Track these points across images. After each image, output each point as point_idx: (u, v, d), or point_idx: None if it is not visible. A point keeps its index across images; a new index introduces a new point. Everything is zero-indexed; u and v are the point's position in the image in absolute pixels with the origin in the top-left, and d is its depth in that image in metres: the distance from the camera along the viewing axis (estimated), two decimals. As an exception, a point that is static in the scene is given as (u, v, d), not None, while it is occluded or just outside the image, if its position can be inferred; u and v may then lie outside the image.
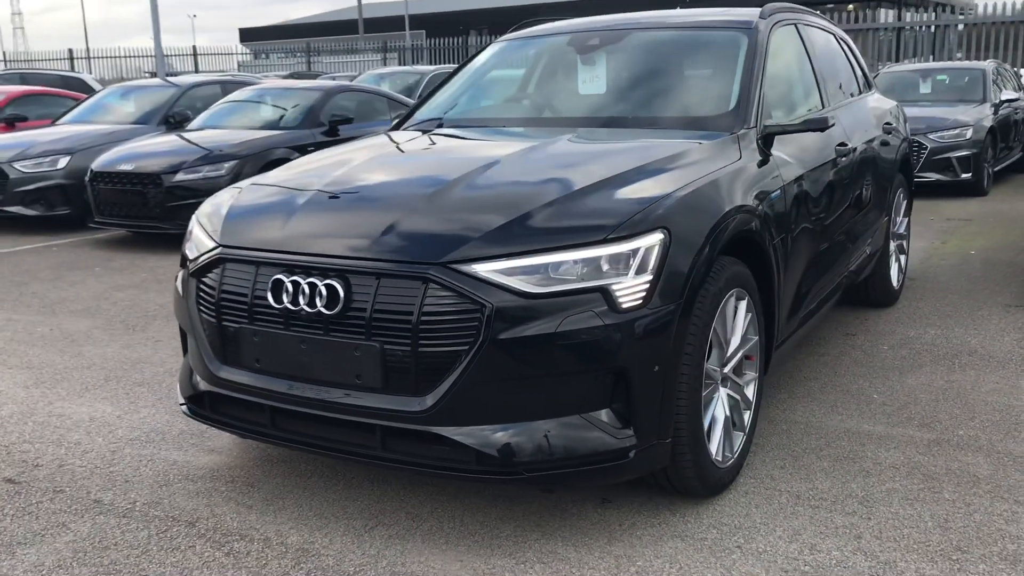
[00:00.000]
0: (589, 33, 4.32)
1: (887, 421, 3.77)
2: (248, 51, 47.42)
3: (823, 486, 3.20)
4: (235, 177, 7.60)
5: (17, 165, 8.86)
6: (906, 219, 5.80)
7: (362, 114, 9.40)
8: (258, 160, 8.03)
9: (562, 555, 2.78)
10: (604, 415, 2.67)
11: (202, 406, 3.13)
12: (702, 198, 2.95)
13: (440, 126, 4.10)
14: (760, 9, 4.14)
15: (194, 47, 32.85)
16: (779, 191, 3.46)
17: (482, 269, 2.60)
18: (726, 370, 3.15)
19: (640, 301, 2.64)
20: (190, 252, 3.18)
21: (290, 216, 2.97)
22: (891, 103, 5.70)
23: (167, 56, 38.41)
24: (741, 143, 3.44)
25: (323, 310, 2.71)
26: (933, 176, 10.15)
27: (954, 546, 2.79)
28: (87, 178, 8.25)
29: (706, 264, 2.84)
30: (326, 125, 8.83)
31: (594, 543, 2.85)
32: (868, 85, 5.58)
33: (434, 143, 3.81)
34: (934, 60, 20.75)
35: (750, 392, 3.33)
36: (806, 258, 3.80)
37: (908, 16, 26.65)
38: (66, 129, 9.82)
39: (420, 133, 3.99)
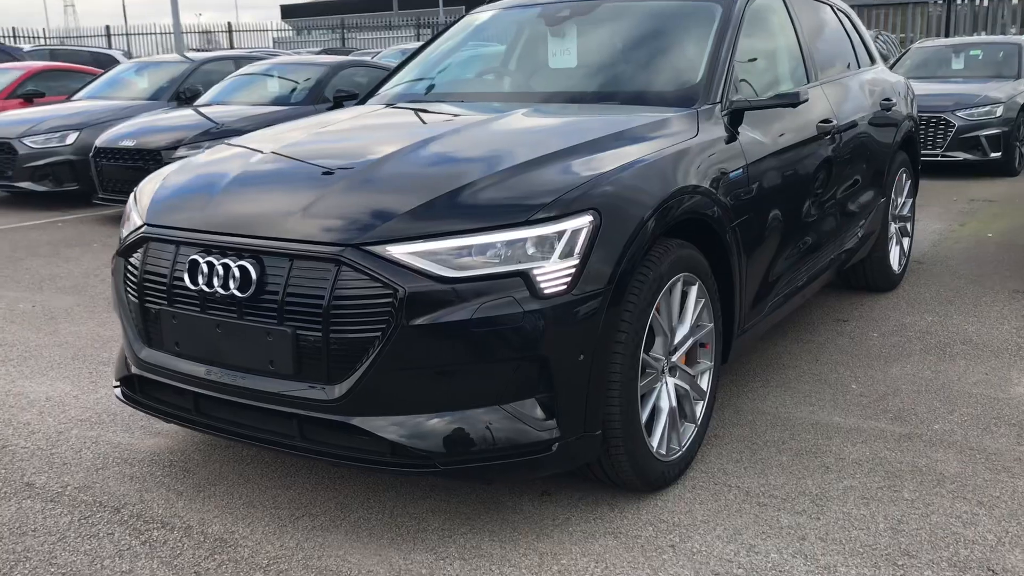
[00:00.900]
0: (560, 5, 4.14)
1: (861, 413, 3.59)
2: (290, 28, 47.50)
3: (777, 482, 3.03)
4: (233, 153, 7.52)
5: (26, 141, 8.88)
6: (910, 200, 5.55)
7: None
8: (259, 136, 7.94)
9: (485, 551, 2.66)
10: (525, 406, 2.53)
11: (133, 389, 3.04)
12: (642, 178, 2.79)
13: (402, 101, 3.96)
14: (739, -21, 3.93)
15: (229, 24, 32.96)
16: (741, 171, 3.27)
17: (397, 251, 2.46)
18: (674, 359, 2.99)
19: (564, 287, 2.49)
20: (123, 230, 3.09)
21: (212, 195, 2.86)
22: (895, 78, 5.45)
23: (207, 32, 38.60)
24: (701, 119, 3.26)
25: (236, 293, 2.60)
26: (960, 155, 9.79)
27: (902, 550, 2.62)
28: (91, 154, 8.23)
29: (644, 248, 2.68)
30: (331, 100, 8.70)
31: (522, 539, 2.72)
32: (871, 59, 5.33)
33: (380, 119, 3.68)
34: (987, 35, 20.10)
35: (704, 382, 3.17)
36: (776, 241, 3.61)
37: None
38: (78, 105, 9.84)
39: (376, 108, 3.86)
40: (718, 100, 3.39)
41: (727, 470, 3.12)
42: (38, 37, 31.31)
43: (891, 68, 11.64)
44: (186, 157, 7.59)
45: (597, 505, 2.90)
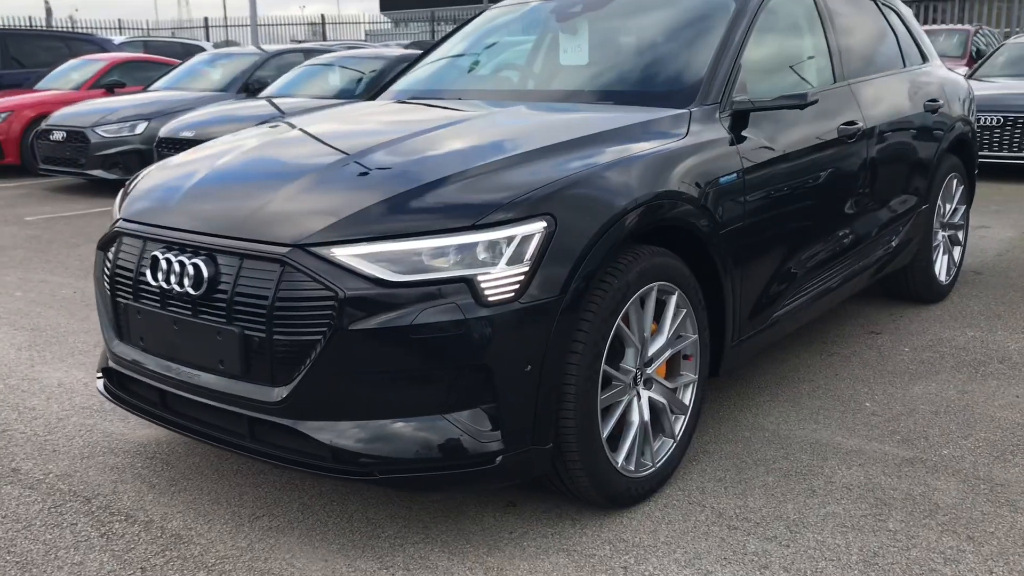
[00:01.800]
0: (573, 0, 4.03)
1: (867, 434, 3.39)
2: (388, 20, 48.05)
3: (755, 504, 2.88)
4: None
5: (98, 130, 9.18)
6: (962, 207, 5.24)
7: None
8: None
9: (432, 562, 2.59)
10: (469, 416, 2.45)
11: (113, 383, 3.07)
12: (608, 183, 2.67)
13: (403, 97, 3.92)
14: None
15: (322, 16, 33.52)
16: (736, 175, 3.12)
17: (340, 253, 2.41)
18: (649, 371, 2.87)
19: (511, 294, 2.41)
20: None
21: (179, 192, 2.86)
22: (949, 78, 5.14)
23: (312, 24, 39.28)
24: (693, 121, 3.12)
25: (190, 290, 2.59)
26: (1047, 159, 9.25)
27: (869, 586, 2.46)
28: (154, 144, 8.45)
29: (606, 255, 2.57)
30: (388, 94, 8.74)
31: (473, 551, 2.64)
32: (923, 57, 5.05)
33: (366, 117, 3.63)
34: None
35: (686, 396, 3.04)
36: (782, 250, 3.44)
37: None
38: (150, 95, 10.12)
39: (371, 105, 3.82)
40: (716, 101, 3.24)
41: (706, 489, 2.99)
42: (139, 29, 32.41)
43: (980, 65, 11.12)
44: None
45: (560, 519, 2.81)
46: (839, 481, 3.03)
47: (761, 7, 3.62)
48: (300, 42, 26.05)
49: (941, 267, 5.05)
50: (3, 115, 10.72)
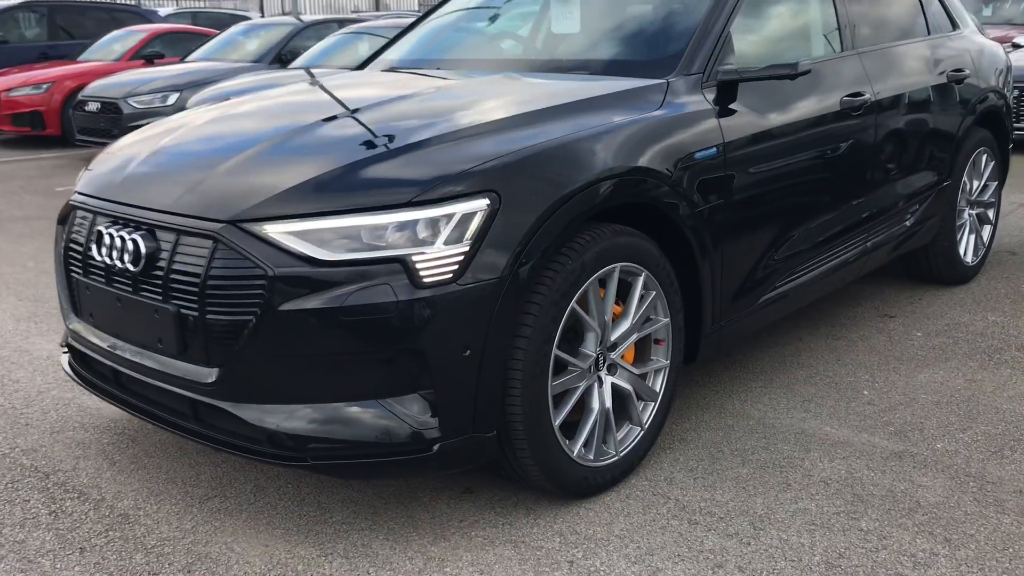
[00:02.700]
0: (564, -35, 3.86)
1: (859, 424, 3.21)
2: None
3: (723, 498, 2.74)
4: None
5: (131, 100, 9.23)
6: (993, 184, 4.96)
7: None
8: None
9: (374, 550, 2.51)
10: (406, 402, 2.35)
11: (75, 359, 3.03)
12: (561, 157, 2.53)
13: (391, 67, 3.80)
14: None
15: (376, -15, 33.40)
16: (715, 150, 2.94)
17: (273, 230, 2.32)
18: (614, 356, 2.73)
19: (449, 275, 2.29)
20: (73, 198, 3.07)
21: (130, 166, 2.79)
22: (983, 47, 4.84)
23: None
24: (670, 92, 2.95)
25: (130, 266, 2.52)
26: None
27: (826, 590, 2.31)
28: (182, 115, 8.45)
29: (557, 236, 2.44)
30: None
31: (417, 540, 2.55)
32: (953, 24, 4.76)
33: (333, 88, 3.50)
34: None
35: (657, 382, 2.89)
36: (772, 228, 3.26)
37: None
38: (184, 66, 10.14)
39: (351, 75, 3.71)
40: (698, 71, 3.06)
41: (674, 479, 2.85)
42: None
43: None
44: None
45: (515, 508, 2.70)
46: (818, 475, 2.87)
47: (759, -28, 3.42)
48: (358, 12, 25.96)
49: (967, 247, 4.79)
50: (44, 86, 10.85)
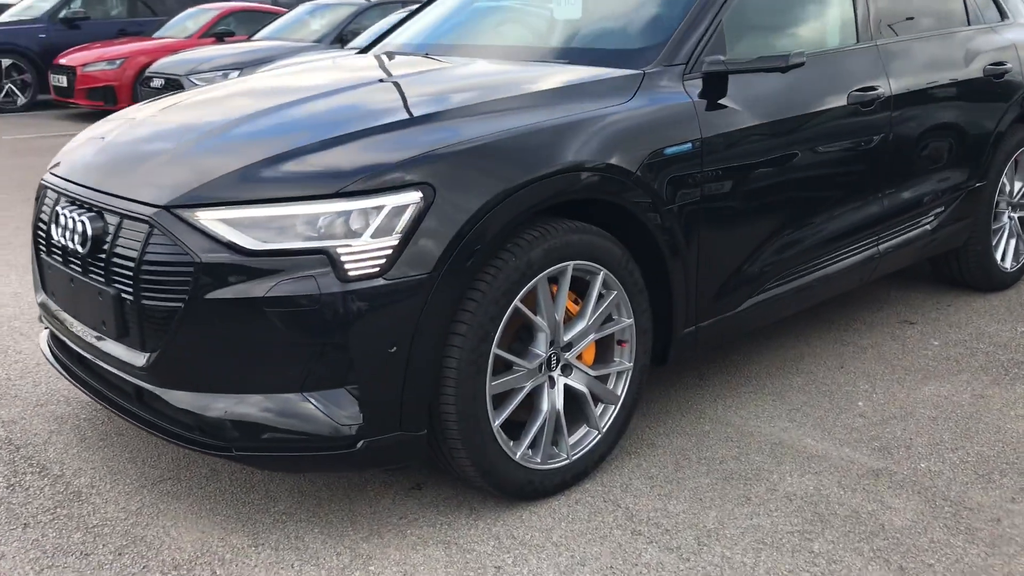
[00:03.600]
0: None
1: (843, 438, 3.05)
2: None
3: (676, 509, 2.63)
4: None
5: (192, 78, 9.40)
6: (1040, 185, 4.66)
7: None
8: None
9: (305, 544, 2.48)
10: (331, 396, 2.31)
11: (53, 337, 3.07)
12: (506, 150, 2.44)
13: (387, 51, 3.75)
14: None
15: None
16: (691, 145, 2.81)
17: (204, 217, 2.30)
18: (569, 356, 2.65)
19: (375, 270, 2.23)
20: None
21: (94, 148, 2.81)
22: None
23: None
24: (645, 83, 2.83)
25: (79, 247, 2.54)
26: None
27: (755, 615, 2.19)
28: (237, 93, 8.57)
29: (498, 231, 2.36)
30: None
31: (350, 535, 2.52)
32: (1001, 13, 4.48)
33: (310, 72, 3.46)
34: None
35: (618, 385, 2.79)
36: (757, 229, 3.11)
37: None
38: (247, 45, 10.30)
39: (341, 59, 3.67)
40: (684, 62, 2.93)
41: (630, 487, 2.75)
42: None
43: None
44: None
45: (458, 508, 2.64)
46: (783, 489, 2.73)
47: (763, -43, 3.25)
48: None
49: (1005, 252, 4.52)
50: (118, 62, 11.15)
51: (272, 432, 2.31)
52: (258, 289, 2.23)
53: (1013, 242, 4.57)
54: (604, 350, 2.80)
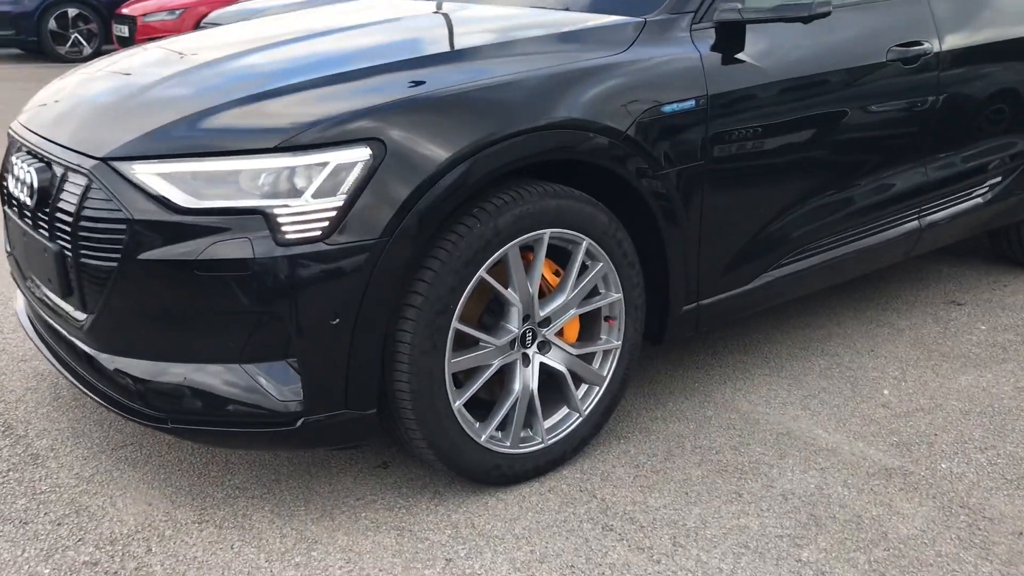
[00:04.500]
0: None
1: (858, 430, 2.78)
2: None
3: (657, 503, 2.41)
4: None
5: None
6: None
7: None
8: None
9: (251, 523, 2.33)
10: (270, 369, 2.13)
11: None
12: (472, 104, 2.20)
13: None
14: None
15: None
16: (694, 102, 2.54)
17: (140, 170, 2.12)
18: (547, 332, 2.43)
19: (317, 233, 2.04)
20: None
21: (55, 98, 2.67)
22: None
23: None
24: (644, 32, 2.55)
25: (27, 200, 2.40)
26: None
27: (721, 631, 1.96)
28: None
29: (457, 194, 2.14)
30: None
31: (301, 515, 2.36)
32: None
33: (301, 18, 3.25)
34: None
35: (604, 365, 2.57)
36: (774, 196, 2.83)
37: None
38: (302, -5, 10.13)
39: (335, 5, 3.45)
40: (693, 9, 2.64)
41: (612, 475, 2.53)
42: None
43: None
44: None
45: (421, 491, 2.46)
46: (780, 487, 2.48)
47: None
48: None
49: (1072, 229, 4.11)
50: (178, 12, 11.11)
51: (209, 405, 2.15)
52: (191, 251, 2.05)
53: (1083, 218, 4.15)
54: (589, 327, 2.57)
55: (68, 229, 2.22)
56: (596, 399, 2.56)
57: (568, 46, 2.46)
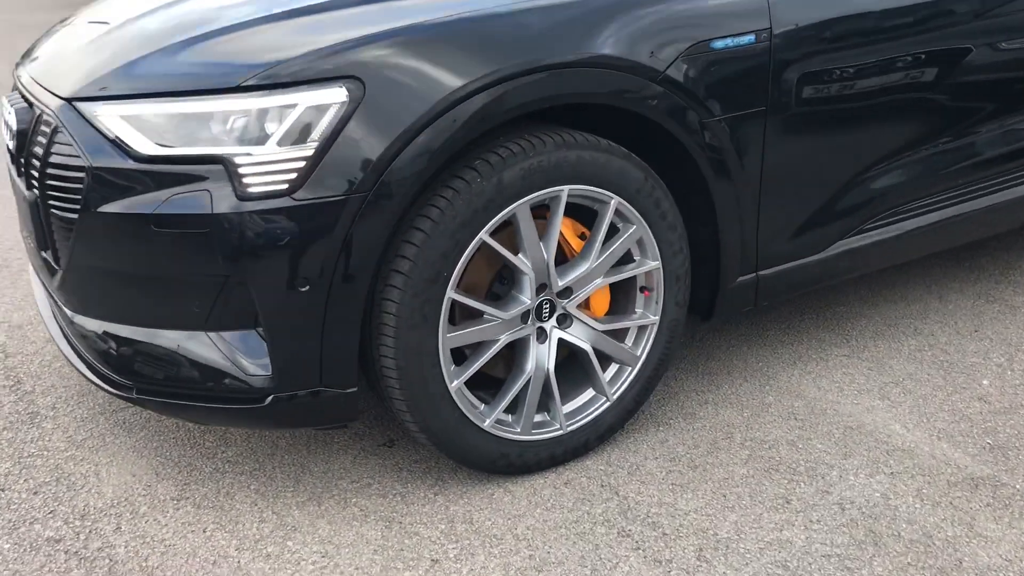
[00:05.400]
0: None
1: (944, 428, 2.37)
2: None
3: (687, 506, 2.08)
4: None
5: None
6: None
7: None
8: None
9: (231, 503, 2.13)
10: (237, 340, 1.90)
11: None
12: (468, 37, 1.87)
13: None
14: None
15: None
16: (754, 37, 2.14)
17: (103, 112, 1.90)
18: (567, 304, 2.11)
19: (283, 186, 1.77)
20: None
21: (55, 34, 2.48)
22: None
23: None
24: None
25: (9, 144, 2.22)
26: None
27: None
28: None
29: (452, 143, 1.83)
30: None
31: (286, 498, 2.14)
32: None
33: None
34: None
35: (638, 343, 2.24)
36: (854, 150, 2.41)
37: None
38: None
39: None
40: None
41: (642, 469, 2.21)
42: None
43: None
44: None
45: (423, 476, 2.20)
46: (838, 493, 2.11)
47: None
48: None
49: None
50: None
51: (175, 376, 1.94)
52: (149, 203, 1.82)
53: None
54: (622, 299, 2.24)
55: (37, 175, 2.02)
56: (628, 381, 2.24)
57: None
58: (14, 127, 2.16)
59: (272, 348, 1.86)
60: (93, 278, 1.98)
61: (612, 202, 2.06)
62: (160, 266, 1.87)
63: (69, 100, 1.94)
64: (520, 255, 2.01)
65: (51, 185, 1.98)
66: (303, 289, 1.81)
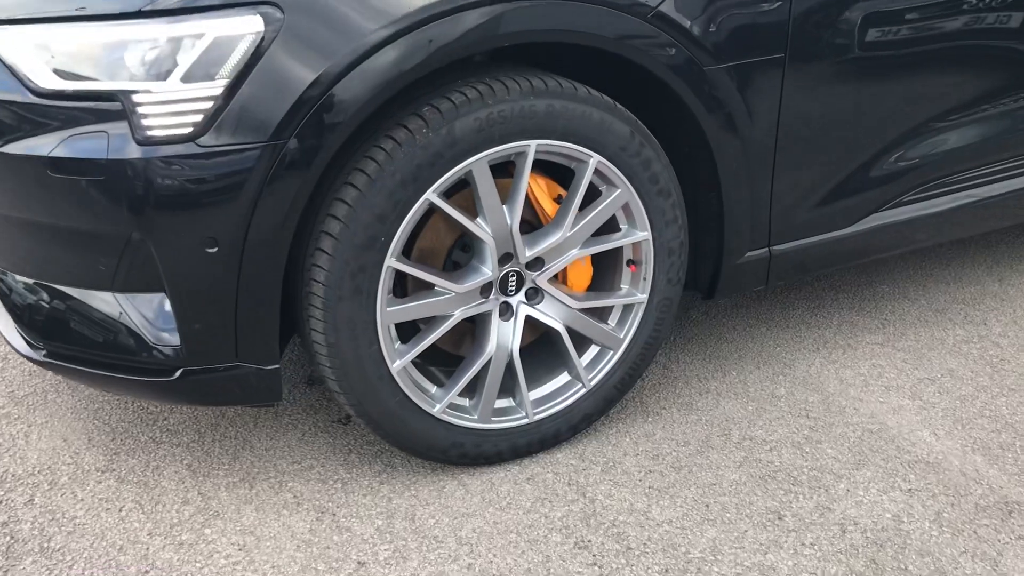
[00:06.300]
0: None
1: (981, 440, 2.04)
2: None
3: (661, 516, 1.81)
4: None
5: None
6: None
7: None
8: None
9: (157, 479, 1.94)
10: (144, 304, 1.68)
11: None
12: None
13: None
14: None
15: None
16: (774, -27, 1.80)
17: (5, 37, 1.66)
18: (536, 277, 1.84)
19: (187, 130, 1.52)
20: None
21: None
22: None
23: None
24: None
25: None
26: None
27: None
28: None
29: (392, 86, 1.56)
30: None
31: (217, 478, 1.94)
32: None
33: None
34: None
35: (623, 324, 1.95)
36: (891, 107, 2.06)
37: None
38: None
39: None
40: None
41: (618, 468, 1.94)
42: None
43: None
44: None
45: (372, 461, 1.97)
46: (840, 511, 1.81)
47: None
48: None
49: None
50: None
51: (80, 340, 1.73)
52: (45, 145, 1.59)
53: None
54: (607, 274, 1.95)
55: (-50, 110, 1.81)
56: (609, 366, 1.96)
57: None
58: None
59: (179, 317, 1.63)
60: (8, 230, 1.77)
61: (591, 161, 1.76)
62: (60, 216, 1.65)
63: (-21, 23, 1.71)
64: (479, 220, 1.73)
65: (-39, 121, 1.77)
66: (211, 250, 1.57)
